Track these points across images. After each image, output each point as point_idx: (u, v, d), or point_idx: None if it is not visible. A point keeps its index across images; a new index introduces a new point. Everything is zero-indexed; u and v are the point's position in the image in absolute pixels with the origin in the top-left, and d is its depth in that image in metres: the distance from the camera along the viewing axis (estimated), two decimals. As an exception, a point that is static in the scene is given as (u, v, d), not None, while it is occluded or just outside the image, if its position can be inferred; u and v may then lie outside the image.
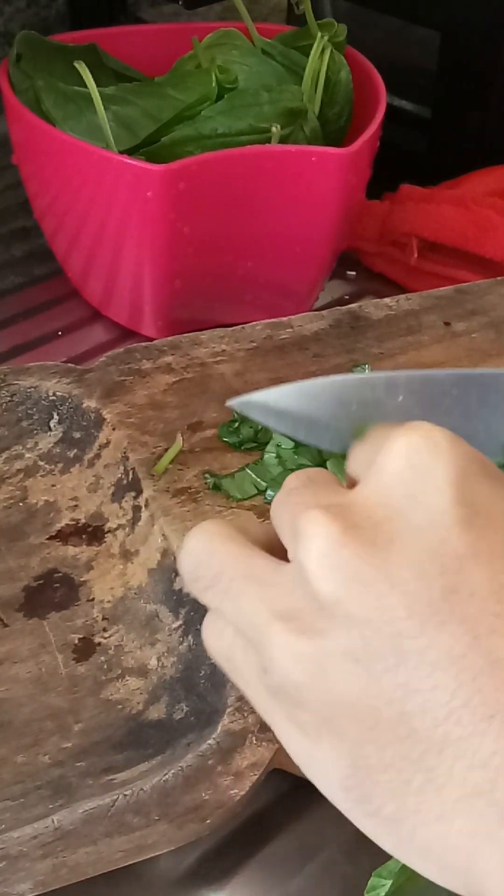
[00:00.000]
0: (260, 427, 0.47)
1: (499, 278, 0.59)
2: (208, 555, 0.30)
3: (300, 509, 0.28)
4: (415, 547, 0.26)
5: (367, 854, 0.36)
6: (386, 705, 0.25)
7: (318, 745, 0.26)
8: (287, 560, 0.29)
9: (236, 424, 0.47)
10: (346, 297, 0.67)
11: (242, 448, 0.47)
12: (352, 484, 0.30)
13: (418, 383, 0.36)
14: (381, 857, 0.33)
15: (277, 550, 0.30)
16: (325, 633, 0.26)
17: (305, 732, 0.27)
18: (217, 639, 0.30)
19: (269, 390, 0.40)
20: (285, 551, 0.29)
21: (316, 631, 0.26)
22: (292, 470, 0.44)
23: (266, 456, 0.46)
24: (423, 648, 0.25)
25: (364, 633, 0.25)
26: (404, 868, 0.32)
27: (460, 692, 0.24)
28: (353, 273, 0.69)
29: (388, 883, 0.32)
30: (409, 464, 0.27)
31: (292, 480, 0.30)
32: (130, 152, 0.55)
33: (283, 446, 0.46)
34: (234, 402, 0.42)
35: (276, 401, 0.39)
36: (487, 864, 0.23)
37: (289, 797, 0.38)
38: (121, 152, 0.54)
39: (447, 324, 0.55)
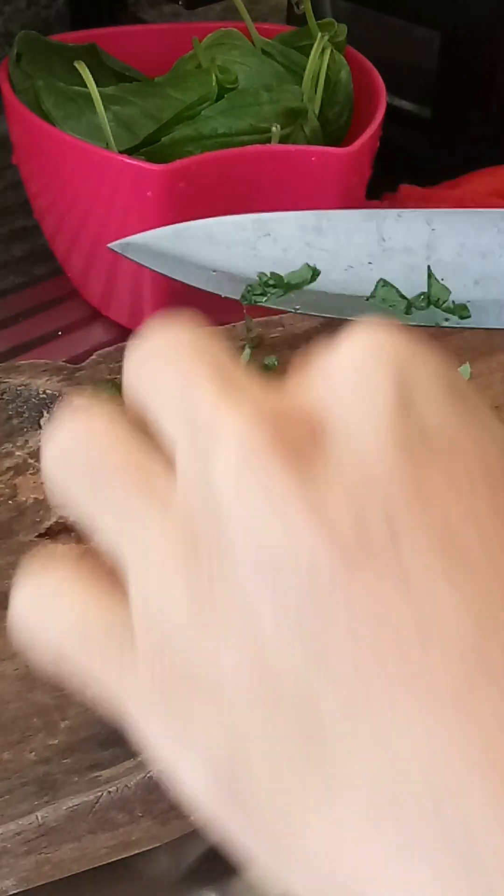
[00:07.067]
0: None
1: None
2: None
3: (201, 391, 0.21)
4: (349, 482, 0.20)
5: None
6: (291, 677, 0.19)
7: (188, 720, 0.20)
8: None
9: None
10: (346, 297, 0.67)
11: None
12: None
13: (289, 220, 0.35)
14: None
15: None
16: (227, 579, 0.20)
17: (172, 703, 0.20)
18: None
19: (147, 233, 0.40)
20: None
21: (215, 573, 0.20)
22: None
23: None
24: (344, 617, 0.19)
25: (276, 590, 0.19)
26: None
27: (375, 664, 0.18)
28: (353, 273, 0.69)
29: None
30: (353, 365, 0.22)
31: (169, 336, 0.22)
32: (130, 152, 0.55)
33: None
34: (114, 245, 0.42)
35: (154, 242, 0.38)
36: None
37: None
38: (121, 152, 0.54)
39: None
